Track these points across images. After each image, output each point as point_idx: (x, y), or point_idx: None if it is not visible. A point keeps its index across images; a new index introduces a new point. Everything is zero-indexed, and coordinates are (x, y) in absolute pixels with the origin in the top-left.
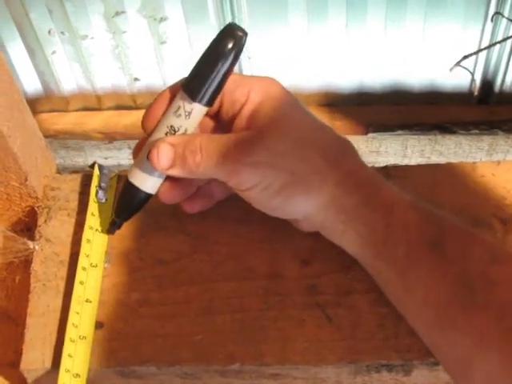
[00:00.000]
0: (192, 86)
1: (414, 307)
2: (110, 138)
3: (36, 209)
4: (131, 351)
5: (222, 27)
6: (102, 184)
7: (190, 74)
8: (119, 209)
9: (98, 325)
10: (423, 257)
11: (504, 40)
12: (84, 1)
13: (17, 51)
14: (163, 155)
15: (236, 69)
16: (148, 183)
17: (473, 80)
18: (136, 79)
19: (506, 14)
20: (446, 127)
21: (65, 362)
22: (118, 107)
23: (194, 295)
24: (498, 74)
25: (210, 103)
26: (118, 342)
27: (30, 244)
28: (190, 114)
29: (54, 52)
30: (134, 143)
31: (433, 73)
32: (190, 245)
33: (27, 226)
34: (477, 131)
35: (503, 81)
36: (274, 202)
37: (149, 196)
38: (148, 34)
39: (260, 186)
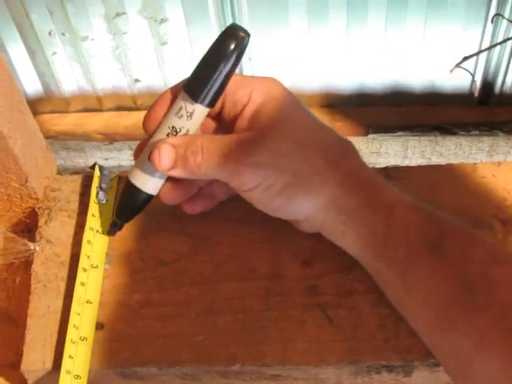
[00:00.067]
0: (194, 87)
1: (414, 308)
2: (110, 138)
3: (36, 210)
4: (132, 352)
5: (224, 28)
6: (103, 185)
7: (191, 75)
8: (120, 210)
9: (99, 326)
10: (424, 258)
11: (504, 41)
12: (85, 2)
13: (17, 52)
14: (164, 156)
15: (237, 70)
16: (149, 184)
17: (473, 81)
18: (136, 80)
19: (506, 15)
20: (446, 128)
21: (66, 363)
22: (119, 108)
23: (196, 296)
24: (499, 75)
25: (211, 104)
26: (119, 342)
27: (31, 245)
28: (191, 114)
29: (54, 53)
30: (134, 144)
31: (433, 74)
32: (191, 245)
33: (28, 227)
34: (477, 132)
35: (503, 82)
36: (276, 202)
37: (150, 197)
38: (149, 35)
39: (262, 187)
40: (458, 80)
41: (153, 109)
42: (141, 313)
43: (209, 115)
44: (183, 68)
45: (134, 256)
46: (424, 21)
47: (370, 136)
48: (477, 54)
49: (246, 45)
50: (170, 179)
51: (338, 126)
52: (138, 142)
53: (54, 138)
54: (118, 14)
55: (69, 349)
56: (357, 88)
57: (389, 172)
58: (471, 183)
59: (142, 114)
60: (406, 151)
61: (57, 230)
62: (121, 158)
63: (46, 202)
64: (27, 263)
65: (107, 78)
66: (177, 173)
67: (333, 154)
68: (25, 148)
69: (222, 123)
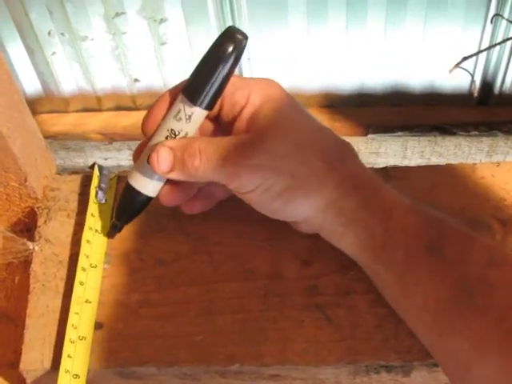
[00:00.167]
0: (192, 90)
1: (412, 311)
2: (109, 138)
3: (36, 209)
4: (131, 352)
5: (223, 30)
6: (102, 185)
7: (190, 78)
8: (120, 212)
9: (98, 325)
10: (422, 261)
11: (504, 41)
12: (84, 2)
13: (17, 52)
14: (163, 159)
15: (236, 70)
16: (149, 186)
17: (472, 81)
18: (136, 80)
19: (505, 15)
20: (445, 128)
21: (64, 363)
22: (118, 108)
23: (195, 296)
24: (498, 75)
25: (210, 107)
26: (118, 342)
27: (30, 244)
28: (190, 117)
29: (53, 53)
30: (133, 144)
31: (433, 74)
32: (190, 245)
33: (27, 227)
34: (476, 132)
35: (503, 82)
36: (275, 204)
37: (149, 199)
38: (148, 35)
39: (260, 189)
40: (457, 80)
41: (151, 111)
42: (139, 312)
43: (207, 117)
44: (182, 68)
45: (133, 256)
46: (423, 21)
47: (370, 136)
48: (476, 54)
49: (244, 47)
50: (169, 181)
51: (338, 126)
52: (138, 141)
53: (54, 138)
54: (117, 14)
55: (68, 348)
56: (356, 88)
57: (388, 172)
58: (470, 183)
59: (141, 114)
60: (405, 151)
61: (56, 229)
62: (120, 157)
63: (45, 201)
64: (26, 263)
65: (106, 78)
66: (175, 175)
67: (331, 155)
68: (24, 147)
69: (221, 125)
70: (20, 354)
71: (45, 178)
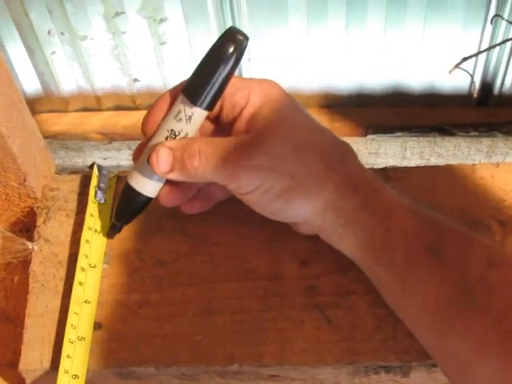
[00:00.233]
0: (193, 91)
1: (412, 312)
2: (109, 138)
3: (35, 209)
4: (130, 352)
5: (223, 31)
6: (101, 185)
7: (190, 78)
8: (119, 212)
9: (97, 325)
10: (422, 261)
11: (503, 42)
12: (84, 1)
13: (16, 51)
14: (162, 159)
15: (236, 71)
16: (148, 187)
17: (472, 82)
18: (136, 80)
19: (505, 16)
20: (445, 129)
21: (64, 363)
22: (118, 108)
23: (194, 296)
24: (498, 76)
25: (210, 107)
26: (117, 342)
27: (29, 244)
28: (190, 118)
29: (53, 52)
30: (133, 144)
31: (432, 75)
32: (189, 245)
33: (26, 227)
34: (476, 133)
35: (502, 83)
36: (274, 205)
37: (149, 200)
38: (148, 34)
39: (260, 190)
40: (457, 81)
41: (151, 112)
42: (139, 313)
43: (207, 117)
44: (182, 67)
45: (133, 256)
46: (423, 22)
47: (369, 136)
48: (476, 54)
49: (245, 48)
50: (168, 182)
51: (337, 126)
52: (137, 141)
53: (53, 138)
54: (117, 14)
55: (67, 348)
56: (356, 88)
57: (387, 173)
58: (470, 184)
59: (141, 114)
60: (404, 152)
61: (55, 229)
62: (119, 157)
63: (45, 201)
64: (25, 262)
65: (106, 78)
66: (175, 176)
67: (331, 156)
68: (23, 147)
69: (221, 125)
70: (19, 354)
71: (44, 178)
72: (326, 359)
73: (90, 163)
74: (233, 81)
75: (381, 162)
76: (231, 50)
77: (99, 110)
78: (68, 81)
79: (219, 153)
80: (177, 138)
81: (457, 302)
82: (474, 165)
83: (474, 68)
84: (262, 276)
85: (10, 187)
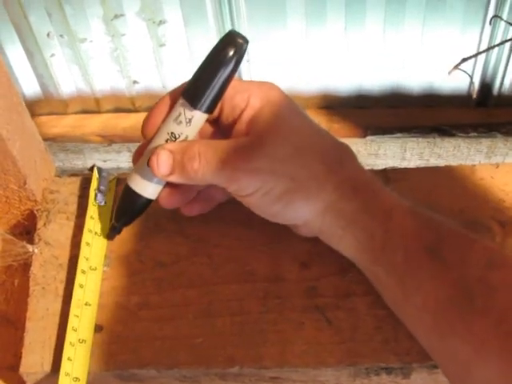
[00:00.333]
0: (193, 94)
1: (412, 313)
2: (108, 140)
3: (35, 212)
4: (131, 354)
5: (223, 34)
6: (101, 187)
7: (190, 81)
8: (119, 214)
9: (98, 328)
10: (422, 262)
11: (502, 43)
12: (83, 4)
13: (16, 54)
14: (162, 162)
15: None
16: (148, 189)
17: (471, 83)
18: (135, 82)
19: (504, 17)
20: (444, 130)
21: (64, 366)
22: (117, 110)
23: (194, 298)
24: (497, 76)
25: (210, 110)
26: (118, 345)
27: (29, 247)
28: (190, 120)
29: (52, 55)
30: (133, 146)
31: (431, 76)
32: (189, 247)
33: (26, 230)
34: (475, 134)
35: (502, 83)
36: (274, 207)
37: (149, 201)
38: (147, 36)
39: (260, 192)
40: (456, 82)
41: (151, 114)
42: (139, 315)
43: (207, 120)
44: (181, 70)
45: (133, 258)
46: (422, 23)
47: (368, 138)
48: (475, 55)
49: (245, 51)
50: (168, 184)
51: (336, 127)
52: (137, 143)
53: (53, 140)
54: (116, 16)
55: (68, 351)
56: (355, 90)
57: (387, 174)
58: (470, 185)
59: (140, 116)
60: (404, 153)
61: (55, 232)
62: (119, 159)
63: (45, 204)
64: (26, 265)
65: (105, 80)
66: (175, 179)
67: (330, 158)
68: (23, 150)
69: (220, 128)
70: (20, 357)
71: (44, 181)
72: (327, 361)
73: (89, 165)
74: (233, 83)
75: (380, 163)
76: (231, 53)
77: (98, 112)
78: (67, 83)
79: (219, 155)
80: (177, 140)
81: (457, 303)
82: (474, 166)
83: (473, 69)
84: (262, 278)
85: (10, 190)
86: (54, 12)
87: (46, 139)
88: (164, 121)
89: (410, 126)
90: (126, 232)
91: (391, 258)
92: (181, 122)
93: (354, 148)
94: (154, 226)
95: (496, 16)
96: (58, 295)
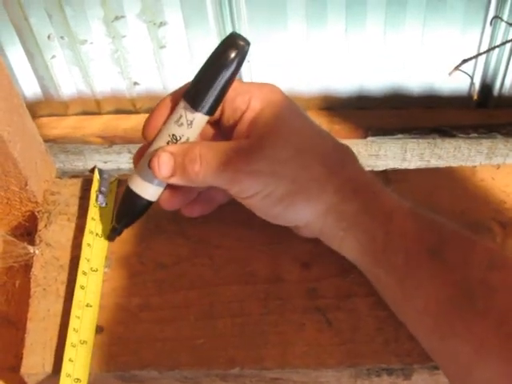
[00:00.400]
0: (194, 96)
1: (413, 314)
2: (109, 142)
3: (36, 213)
4: (132, 355)
5: (224, 36)
6: (102, 188)
7: (191, 83)
8: (120, 215)
9: (99, 329)
10: (423, 264)
11: (503, 44)
12: (83, 5)
13: (16, 56)
14: (163, 164)
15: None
16: (149, 191)
17: (472, 84)
18: (135, 83)
19: (504, 17)
20: (445, 131)
21: (66, 367)
22: (118, 111)
23: (195, 299)
24: (497, 77)
25: (211, 112)
26: (119, 346)
27: (30, 248)
28: (191, 123)
29: (53, 56)
30: (133, 147)
31: (432, 77)
32: (190, 249)
33: (27, 231)
34: (476, 135)
35: (502, 84)
36: (275, 209)
37: (150, 203)
38: (147, 38)
39: (261, 194)
40: (456, 83)
41: (152, 116)
42: (140, 316)
43: (208, 121)
44: (182, 71)
45: (134, 259)
46: (423, 24)
47: (369, 139)
48: (475, 56)
49: (246, 53)
50: (169, 185)
51: (337, 128)
52: (137, 145)
53: (53, 142)
54: (116, 18)
55: (69, 352)
56: (356, 91)
57: (388, 175)
58: (470, 186)
59: (140, 117)
60: (404, 154)
61: (56, 233)
62: (120, 161)
63: (46, 205)
64: (27, 267)
65: (106, 82)
66: (176, 181)
67: (332, 160)
68: (24, 151)
69: (221, 129)
70: (21, 358)
71: (45, 182)
72: (328, 362)
73: (90, 167)
74: (234, 85)
75: (381, 164)
76: (233, 55)
77: (99, 113)
78: (68, 85)
79: (220, 157)
80: (178, 142)
81: (458, 304)
82: (475, 167)
83: (474, 70)
84: (262, 279)
85: (12, 191)
86: (54, 13)
87: (46, 141)
88: (165, 123)
89: (410, 126)
90: (127, 233)
91: (392, 259)
92: (182, 124)
93: (354, 149)
94: (155, 227)
95: (496, 17)
96: (59, 296)
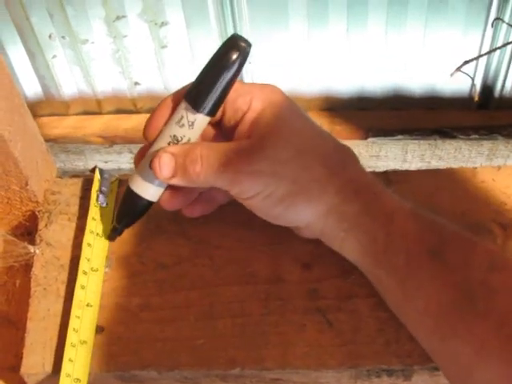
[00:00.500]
0: (195, 97)
1: (414, 315)
2: (110, 141)
3: (36, 213)
4: (132, 356)
5: (226, 38)
6: (103, 188)
7: (193, 84)
8: (120, 216)
9: (99, 329)
10: (424, 265)
11: (504, 45)
12: (85, 5)
13: (17, 55)
14: (165, 165)
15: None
16: (150, 191)
17: (473, 85)
18: (136, 83)
19: (506, 19)
20: (446, 132)
21: (65, 367)
22: (119, 111)
23: (195, 299)
24: (498, 79)
25: (213, 113)
26: (119, 346)
27: (31, 248)
28: (193, 124)
29: (54, 56)
30: (134, 147)
31: (433, 78)
32: (191, 249)
33: (28, 230)
34: (477, 136)
35: (503, 86)
36: (276, 210)
37: (150, 203)
38: (149, 38)
39: (262, 195)
40: (457, 84)
41: (153, 117)
42: (140, 316)
43: (209, 122)
44: (183, 71)
45: (134, 259)
46: (424, 25)
47: (370, 139)
48: (477, 58)
49: (248, 55)
50: (170, 186)
51: (338, 129)
52: (138, 144)
53: (54, 141)
54: (118, 17)
55: (69, 352)
56: (357, 91)
57: (388, 176)
58: (471, 187)
59: (141, 117)
60: (405, 155)
61: (57, 233)
62: (120, 160)
63: (46, 205)
64: (27, 266)
65: (107, 81)
66: (177, 181)
67: (333, 161)
68: (25, 151)
69: (223, 130)
70: (21, 357)
71: (46, 182)
72: (328, 363)
73: (91, 166)
74: (235, 86)
75: (381, 165)
76: (234, 57)
77: (100, 113)
78: (69, 84)
79: (221, 158)
80: (179, 143)
81: (459, 305)
82: (475, 168)
83: (475, 71)
84: (263, 280)
85: (12, 191)
86: (55, 13)
87: (47, 140)
88: (166, 123)
89: (411, 128)
90: (128, 233)
91: (393, 260)
92: (183, 125)
93: (355, 150)
94: (156, 227)
95: (498, 18)
96: (59, 296)
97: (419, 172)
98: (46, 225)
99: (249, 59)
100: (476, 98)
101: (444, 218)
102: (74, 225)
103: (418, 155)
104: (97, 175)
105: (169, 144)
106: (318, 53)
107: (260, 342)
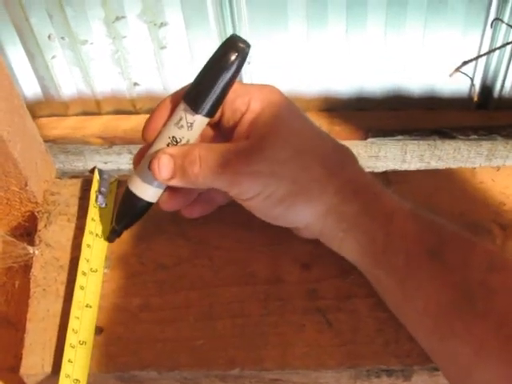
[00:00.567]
0: (194, 98)
1: (413, 316)
2: (109, 142)
3: (36, 214)
4: (131, 356)
5: (225, 39)
6: (102, 189)
7: (191, 86)
8: (119, 217)
9: (98, 330)
10: (423, 265)
11: (503, 46)
12: (84, 6)
13: (17, 56)
14: (163, 166)
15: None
16: (149, 192)
17: (472, 85)
18: (136, 84)
19: (505, 19)
20: (445, 132)
21: (65, 368)
22: (118, 112)
23: (195, 300)
24: (498, 79)
25: (212, 114)
26: (118, 347)
27: (30, 249)
28: (192, 125)
29: (53, 57)
30: (133, 148)
31: (432, 78)
32: (190, 249)
33: (27, 231)
34: (476, 136)
35: (502, 86)
36: (276, 210)
37: (150, 205)
38: (148, 39)
39: (261, 196)
40: (457, 84)
41: (152, 118)
42: (140, 317)
43: (208, 123)
44: (182, 72)
45: (134, 260)
46: (423, 25)
47: (369, 140)
48: (476, 58)
49: (246, 56)
50: (169, 187)
51: (337, 129)
52: (138, 145)
53: (53, 142)
54: (117, 18)
55: (68, 353)
56: (356, 92)
57: (388, 176)
58: (470, 188)
59: (141, 118)
60: (404, 155)
61: (56, 233)
62: (120, 161)
63: (46, 205)
64: (26, 267)
65: (106, 82)
66: (176, 183)
67: (332, 161)
68: (24, 152)
69: (221, 131)
70: (20, 358)
71: (45, 182)
72: (328, 363)
73: (90, 167)
74: (233, 87)
75: (381, 166)
76: (233, 58)
77: (99, 114)
78: (68, 85)
79: (220, 159)
80: (178, 144)
81: (458, 305)
82: (475, 168)
83: (474, 71)
84: (262, 280)
85: (11, 192)
86: (55, 14)
87: (46, 141)
88: (165, 125)
89: (410, 128)
90: (127, 234)
91: (392, 261)
92: (182, 126)
93: (354, 150)
94: (155, 228)
95: (497, 19)
96: (58, 297)
97: (418, 172)
98: (45, 225)
99: (248, 60)
100: (475, 99)
101: (443, 218)
102: (73, 225)
103: (417, 155)
104: (96, 176)
105: (168, 145)
106: (317, 53)
107: (259, 343)
